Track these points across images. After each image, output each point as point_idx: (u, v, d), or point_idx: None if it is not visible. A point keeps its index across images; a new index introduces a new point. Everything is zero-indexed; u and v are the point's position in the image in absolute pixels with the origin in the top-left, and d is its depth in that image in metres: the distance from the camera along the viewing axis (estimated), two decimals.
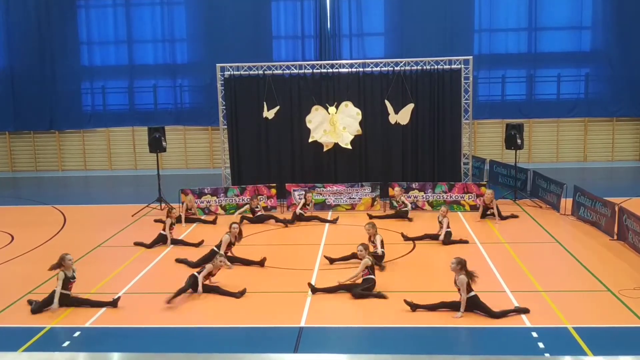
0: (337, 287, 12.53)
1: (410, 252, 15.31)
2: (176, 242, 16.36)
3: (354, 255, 14.06)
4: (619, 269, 13.71)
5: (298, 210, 18.64)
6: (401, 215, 18.60)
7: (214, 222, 18.55)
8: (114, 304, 12.04)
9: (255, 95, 20.77)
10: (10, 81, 28.60)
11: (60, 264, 12.11)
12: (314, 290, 12.51)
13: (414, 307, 11.40)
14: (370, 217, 18.49)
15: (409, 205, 18.84)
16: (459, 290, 11.31)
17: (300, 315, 11.50)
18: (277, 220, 18.51)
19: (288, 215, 19.02)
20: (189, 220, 18.70)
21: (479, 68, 26.18)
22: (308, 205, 18.95)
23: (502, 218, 18.12)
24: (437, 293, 11.88)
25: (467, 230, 17.12)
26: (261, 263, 14.38)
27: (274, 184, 20.10)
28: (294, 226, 18.26)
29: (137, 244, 16.34)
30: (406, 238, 16.15)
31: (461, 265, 11.37)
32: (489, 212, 18.26)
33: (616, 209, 15.91)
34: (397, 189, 19.09)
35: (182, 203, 19.17)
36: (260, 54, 26.21)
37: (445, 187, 19.63)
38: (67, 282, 12.03)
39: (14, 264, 15.21)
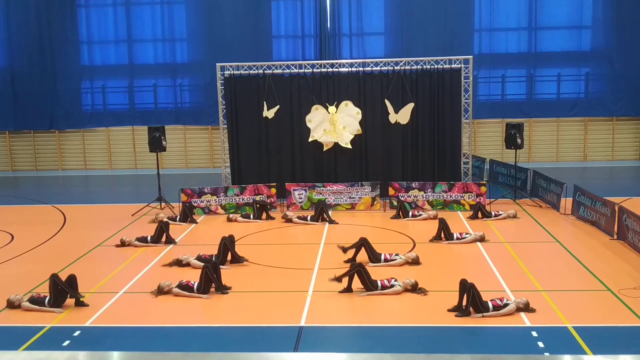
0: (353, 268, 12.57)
1: (410, 250, 15.28)
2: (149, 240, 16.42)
3: (361, 242, 14.20)
4: (619, 269, 13.70)
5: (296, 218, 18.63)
6: (404, 210, 18.61)
7: (194, 221, 18.70)
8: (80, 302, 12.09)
9: (255, 94, 20.77)
10: (10, 80, 28.60)
11: (17, 305, 12.08)
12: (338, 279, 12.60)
13: (464, 312, 11.34)
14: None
15: (423, 215, 18.70)
16: (497, 305, 11.31)
17: (300, 314, 11.50)
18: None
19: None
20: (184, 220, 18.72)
21: (479, 67, 26.19)
22: (300, 216, 18.81)
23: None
24: (437, 292, 11.87)
25: (467, 229, 17.10)
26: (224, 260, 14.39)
27: (274, 184, 20.10)
28: (295, 226, 18.26)
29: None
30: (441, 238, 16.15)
31: (524, 306, 11.36)
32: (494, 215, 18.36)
33: (616, 208, 15.91)
34: (431, 211, 18.95)
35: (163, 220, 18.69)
36: (260, 53, 26.21)
37: (445, 187, 19.63)
38: (34, 300, 12.05)
39: (14, 263, 15.21)
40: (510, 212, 18.38)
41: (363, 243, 14.24)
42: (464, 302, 11.31)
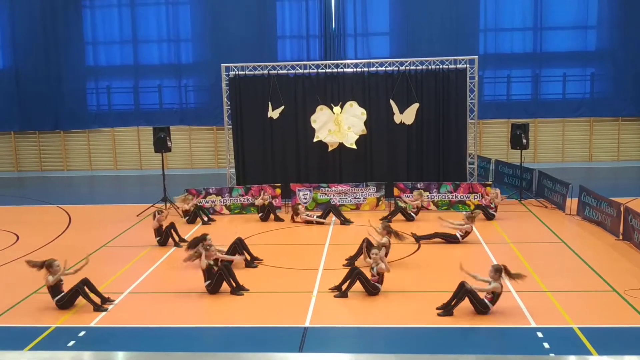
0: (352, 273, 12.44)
1: (415, 251, 15.28)
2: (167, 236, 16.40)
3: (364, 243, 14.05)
4: (625, 269, 13.67)
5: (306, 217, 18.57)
6: (406, 215, 18.50)
7: (208, 222, 18.68)
8: (101, 308, 11.94)
9: (260, 95, 20.78)
10: (15, 81, 28.67)
11: (47, 268, 11.98)
12: (343, 292, 12.43)
13: (449, 311, 11.32)
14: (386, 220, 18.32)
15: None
16: (490, 299, 11.31)
17: (305, 315, 11.49)
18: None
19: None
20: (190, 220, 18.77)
21: (484, 68, 26.14)
22: (307, 214, 18.74)
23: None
24: (441, 293, 11.84)
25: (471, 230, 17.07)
26: (250, 262, 14.38)
27: (279, 184, 20.09)
28: (300, 226, 18.27)
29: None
30: (417, 238, 16.03)
31: (499, 274, 11.30)
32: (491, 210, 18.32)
33: (622, 208, 15.86)
34: (416, 193, 18.96)
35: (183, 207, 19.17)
36: (265, 53, 26.23)
37: (450, 187, 19.60)
38: (58, 286, 11.97)
39: (19, 263, 15.20)
40: (491, 194, 18.47)
41: (365, 244, 14.18)
42: (453, 303, 11.32)
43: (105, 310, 11.84)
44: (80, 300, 12.02)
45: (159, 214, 16.41)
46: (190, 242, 13.77)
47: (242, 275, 13.60)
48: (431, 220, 18.08)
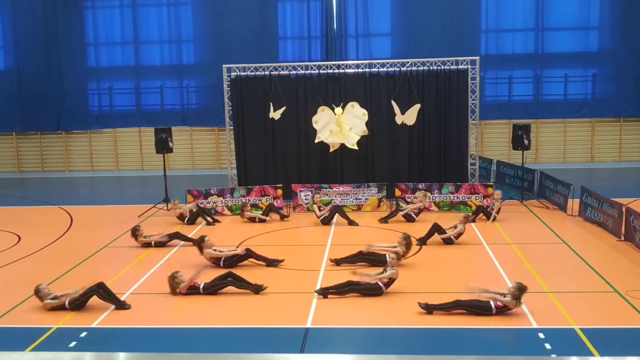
0: (346, 285, 12.41)
1: (417, 252, 15.26)
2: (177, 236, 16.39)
3: (360, 254, 14.06)
4: (626, 270, 13.65)
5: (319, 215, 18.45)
6: (407, 217, 18.46)
7: (213, 223, 18.65)
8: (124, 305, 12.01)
9: (262, 95, 20.77)
10: (17, 82, 28.67)
11: (40, 297, 11.97)
12: (324, 293, 12.39)
13: (429, 309, 11.35)
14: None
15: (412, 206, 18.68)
16: (499, 306, 11.26)
17: (307, 316, 11.48)
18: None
19: (295, 216, 19.13)
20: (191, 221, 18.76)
21: (486, 68, 26.14)
22: (320, 207, 18.70)
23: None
24: (445, 294, 11.83)
25: (473, 231, 17.07)
26: (271, 263, 14.40)
27: (280, 185, 20.09)
28: (301, 227, 18.26)
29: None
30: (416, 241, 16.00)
31: (520, 292, 11.25)
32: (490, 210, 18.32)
33: (623, 209, 15.84)
34: (420, 194, 18.93)
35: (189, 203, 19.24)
36: (266, 54, 26.21)
37: (452, 188, 19.59)
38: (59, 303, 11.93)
39: (20, 264, 15.24)
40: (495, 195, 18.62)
41: (360, 256, 14.20)
42: (439, 307, 11.36)
43: (128, 307, 11.96)
44: (92, 300, 12.01)
45: (136, 231, 16.32)
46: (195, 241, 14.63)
47: (244, 275, 13.60)
48: (432, 220, 18.09)
